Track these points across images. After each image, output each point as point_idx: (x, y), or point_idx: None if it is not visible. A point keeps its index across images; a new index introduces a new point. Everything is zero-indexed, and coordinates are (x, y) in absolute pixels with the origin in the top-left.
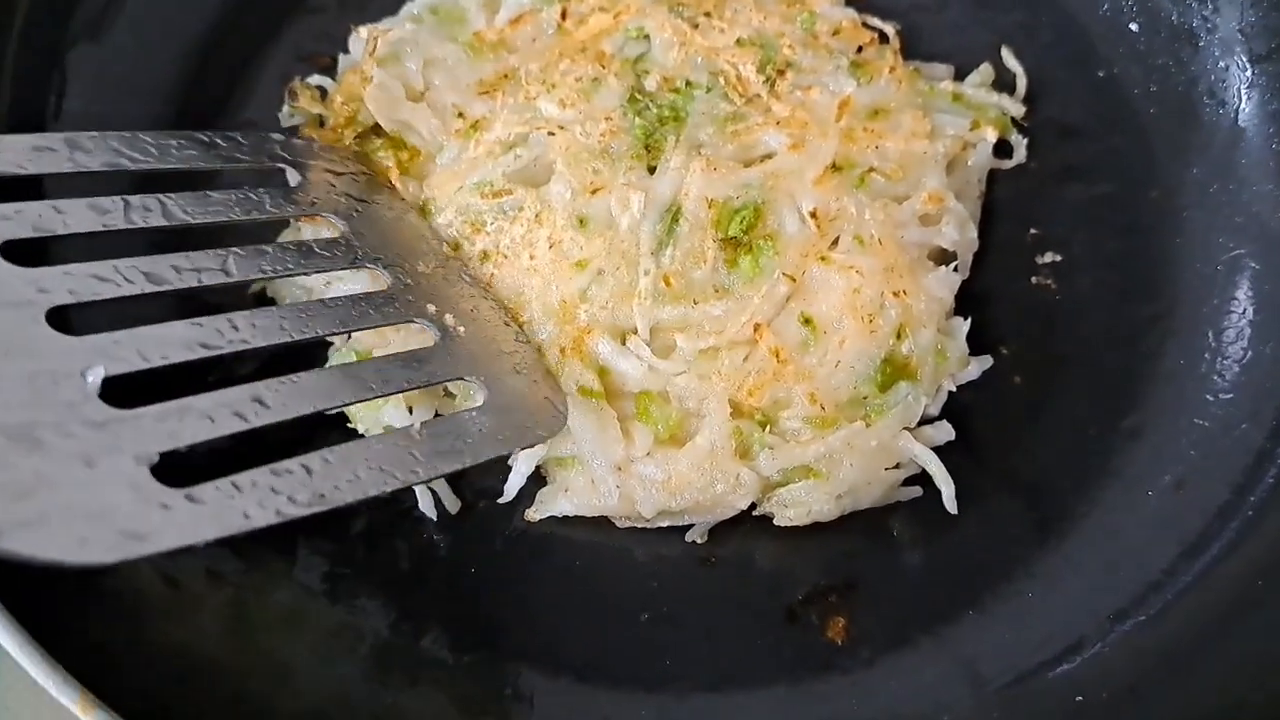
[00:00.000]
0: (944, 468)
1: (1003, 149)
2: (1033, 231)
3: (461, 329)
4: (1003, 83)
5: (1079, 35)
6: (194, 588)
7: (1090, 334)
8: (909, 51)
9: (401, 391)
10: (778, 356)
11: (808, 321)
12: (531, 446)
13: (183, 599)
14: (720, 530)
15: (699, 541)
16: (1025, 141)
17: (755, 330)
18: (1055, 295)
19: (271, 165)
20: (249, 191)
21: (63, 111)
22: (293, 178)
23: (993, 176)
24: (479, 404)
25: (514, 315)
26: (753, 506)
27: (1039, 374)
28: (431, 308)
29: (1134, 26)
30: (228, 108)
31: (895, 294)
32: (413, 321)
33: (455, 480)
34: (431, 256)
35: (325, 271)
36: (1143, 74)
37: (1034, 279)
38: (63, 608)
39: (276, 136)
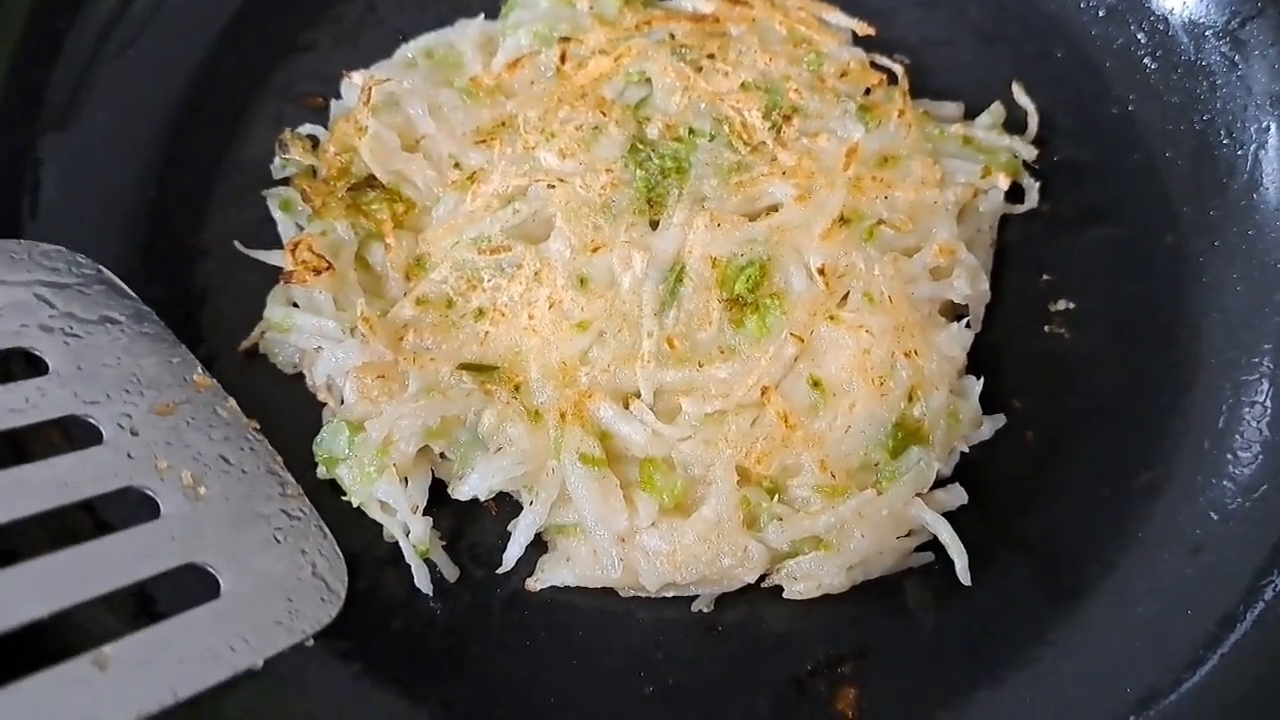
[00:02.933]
0: (957, 537)
1: (1014, 192)
2: (1045, 277)
3: (204, 489)
4: (1014, 119)
5: (1093, 70)
6: None
7: (1104, 386)
8: (919, 89)
9: (88, 600)
10: (786, 421)
11: (816, 384)
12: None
13: None
14: (727, 596)
15: (705, 610)
16: (1038, 185)
17: (763, 393)
18: (1069, 345)
19: None
20: None
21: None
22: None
23: (1004, 221)
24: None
25: (502, 375)
26: (761, 576)
27: (1052, 429)
28: (163, 463)
29: (1150, 62)
30: (221, 153)
31: (906, 354)
32: (128, 488)
33: (452, 545)
34: (175, 388)
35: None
36: (1158, 112)
37: (1047, 328)
38: None
39: None
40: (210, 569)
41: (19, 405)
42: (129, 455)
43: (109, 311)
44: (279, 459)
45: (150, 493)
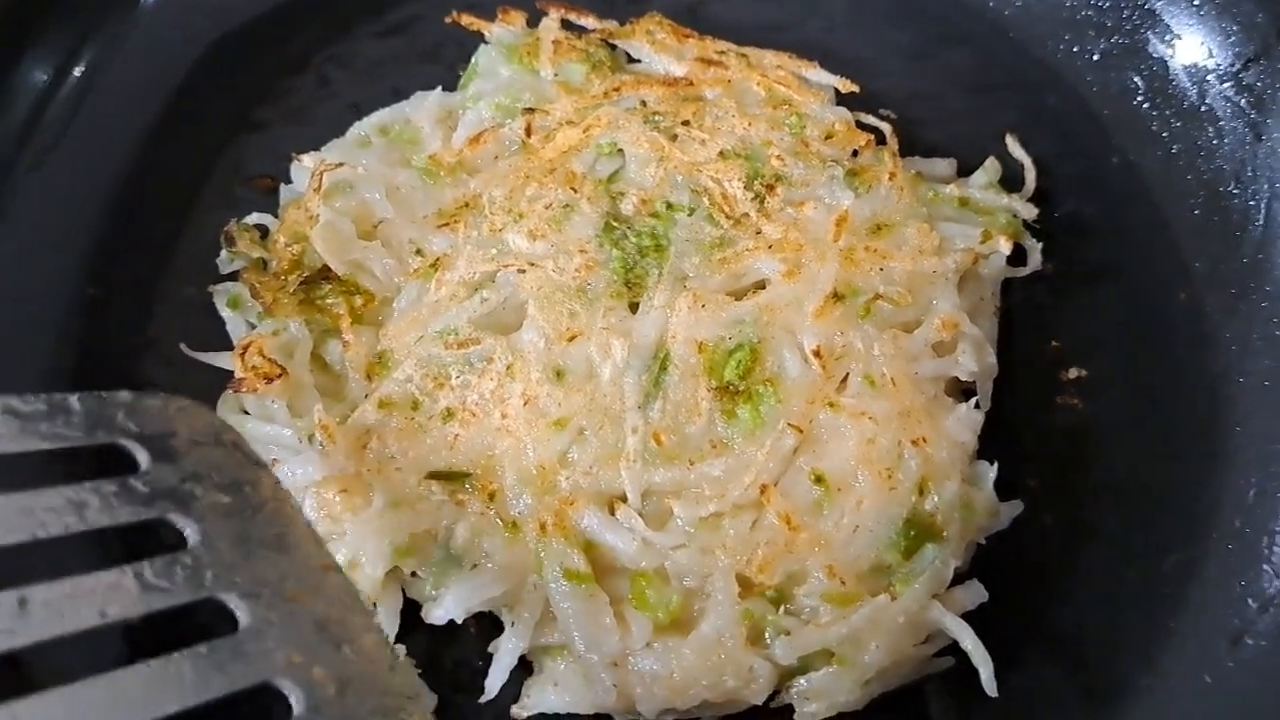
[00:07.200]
0: (980, 644)
1: (1016, 253)
2: (1054, 344)
3: (332, 689)
4: (1010, 171)
5: (1089, 119)
6: None
7: (1124, 459)
8: (908, 146)
9: None
10: (789, 523)
11: (819, 479)
12: None
13: None
14: (732, 718)
15: None
16: (1040, 245)
17: (761, 492)
18: (1083, 416)
19: (112, 442)
20: (75, 489)
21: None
22: (142, 457)
23: (1007, 284)
24: None
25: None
26: (770, 696)
27: (1071, 510)
28: (295, 657)
29: (1150, 109)
30: (170, 241)
31: (914, 442)
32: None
33: (430, 669)
34: (306, 568)
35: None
36: (1162, 161)
37: (1059, 399)
38: None
39: (123, 396)
40: None
41: (162, 584)
42: (267, 648)
43: (241, 476)
44: (398, 657)
45: (283, 688)
